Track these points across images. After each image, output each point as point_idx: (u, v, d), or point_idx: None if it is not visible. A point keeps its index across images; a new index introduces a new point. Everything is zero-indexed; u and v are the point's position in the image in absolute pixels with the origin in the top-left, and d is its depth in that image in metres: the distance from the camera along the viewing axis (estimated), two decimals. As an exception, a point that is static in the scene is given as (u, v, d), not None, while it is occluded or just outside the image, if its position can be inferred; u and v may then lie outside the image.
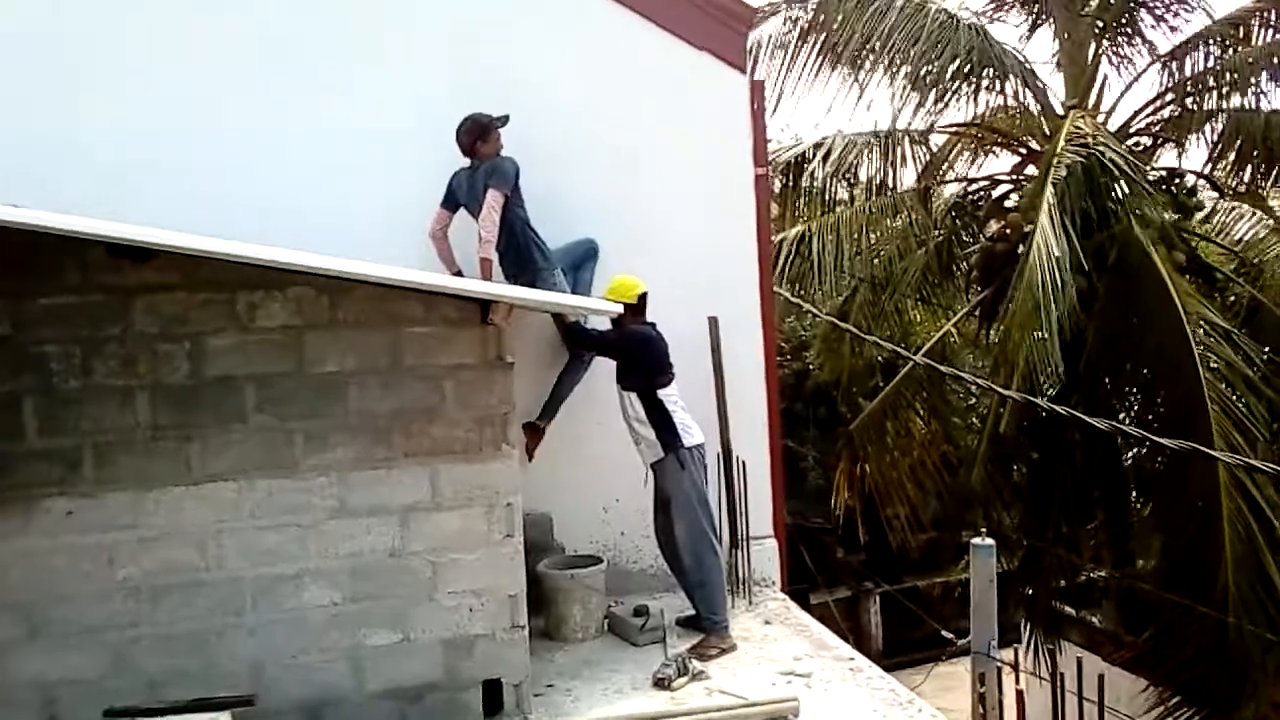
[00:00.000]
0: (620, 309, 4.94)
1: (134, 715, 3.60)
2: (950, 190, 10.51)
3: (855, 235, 9.74)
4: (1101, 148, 7.84)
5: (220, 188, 5.14)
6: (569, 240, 5.66)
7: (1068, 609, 10.26)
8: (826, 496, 12.22)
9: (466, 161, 5.39)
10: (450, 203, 5.43)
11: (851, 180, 10.03)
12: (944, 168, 10.43)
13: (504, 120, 5.36)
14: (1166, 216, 9.00)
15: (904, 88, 8.86)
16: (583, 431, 5.75)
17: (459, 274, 5.31)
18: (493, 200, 5.16)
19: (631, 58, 5.89)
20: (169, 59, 5.27)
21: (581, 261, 5.70)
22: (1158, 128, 9.69)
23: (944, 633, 6.04)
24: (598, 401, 5.60)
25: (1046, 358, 7.20)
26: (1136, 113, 9.67)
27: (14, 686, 3.84)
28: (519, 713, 4.39)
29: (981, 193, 10.27)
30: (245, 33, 5.38)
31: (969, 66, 8.56)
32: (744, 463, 5.86)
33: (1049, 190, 7.52)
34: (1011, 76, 9.11)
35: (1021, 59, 9.23)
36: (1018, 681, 7.18)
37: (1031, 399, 6.55)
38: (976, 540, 5.60)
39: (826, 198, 10.15)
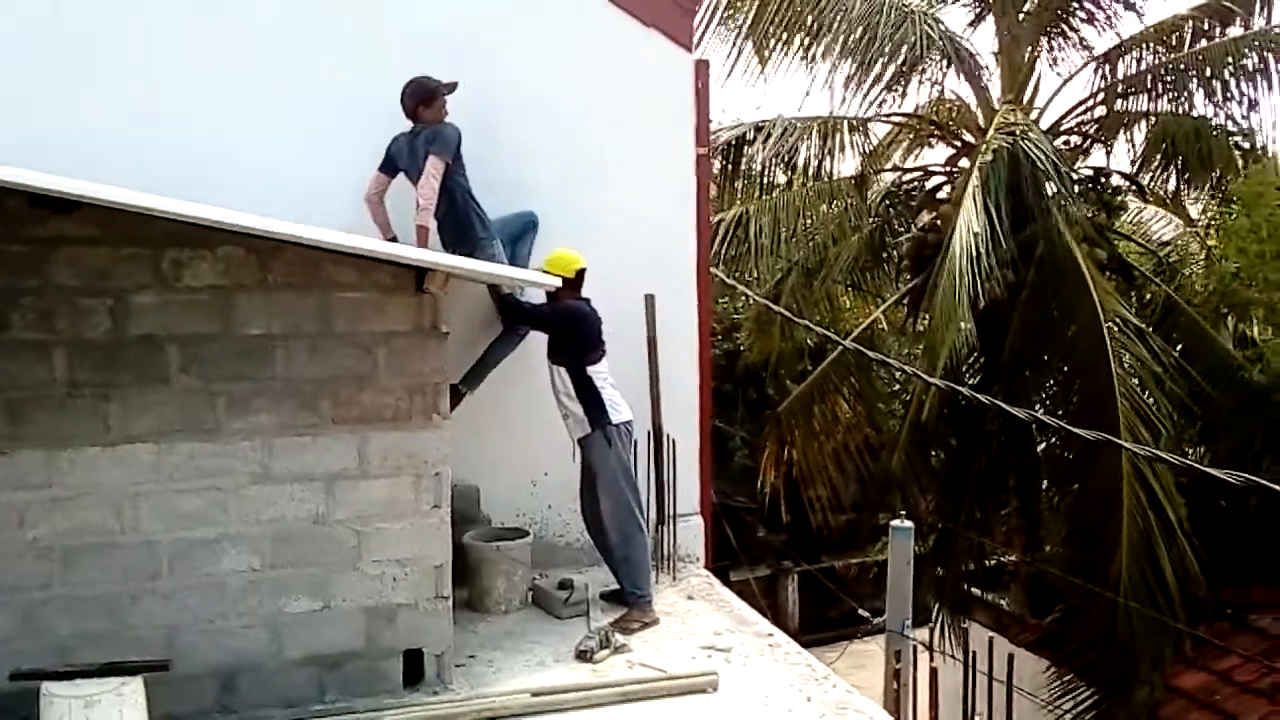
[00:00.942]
0: (558, 283, 4.92)
1: (41, 678, 3.49)
2: (886, 179, 10.67)
3: (791, 219, 9.84)
4: (1029, 141, 8.03)
5: (152, 145, 4.93)
6: (509, 212, 5.60)
7: (976, 591, 10.60)
8: (752, 476, 12.40)
9: (407, 126, 5.29)
10: (388, 167, 5.33)
11: (790, 164, 10.10)
12: (881, 157, 10.57)
13: (451, 87, 5.27)
14: (1091, 215, 9.29)
15: (847, 74, 8.93)
16: (512, 404, 5.72)
17: (394, 240, 5.23)
18: (432, 167, 5.08)
19: (578, 31, 5.84)
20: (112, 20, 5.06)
21: (521, 234, 5.65)
22: (1088, 127, 9.95)
23: (860, 611, 6.21)
24: (529, 375, 5.58)
25: (965, 344, 7.37)
26: (1069, 111, 9.92)
27: (-84, 647, 3.73)
28: (439, 683, 4.39)
29: (916, 183, 10.45)
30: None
31: (913, 55, 8.65)
32: (674, 441, 5.90)
33: (974, 175, 7.68)
34: (953, 68, 9.25)
35: (965, 50, 9.36)
36: (932, 660, 7.41)
37: (956, 386, 6.72)
38: (895, 522, 5.76)
39: (765, 181, 10.22)
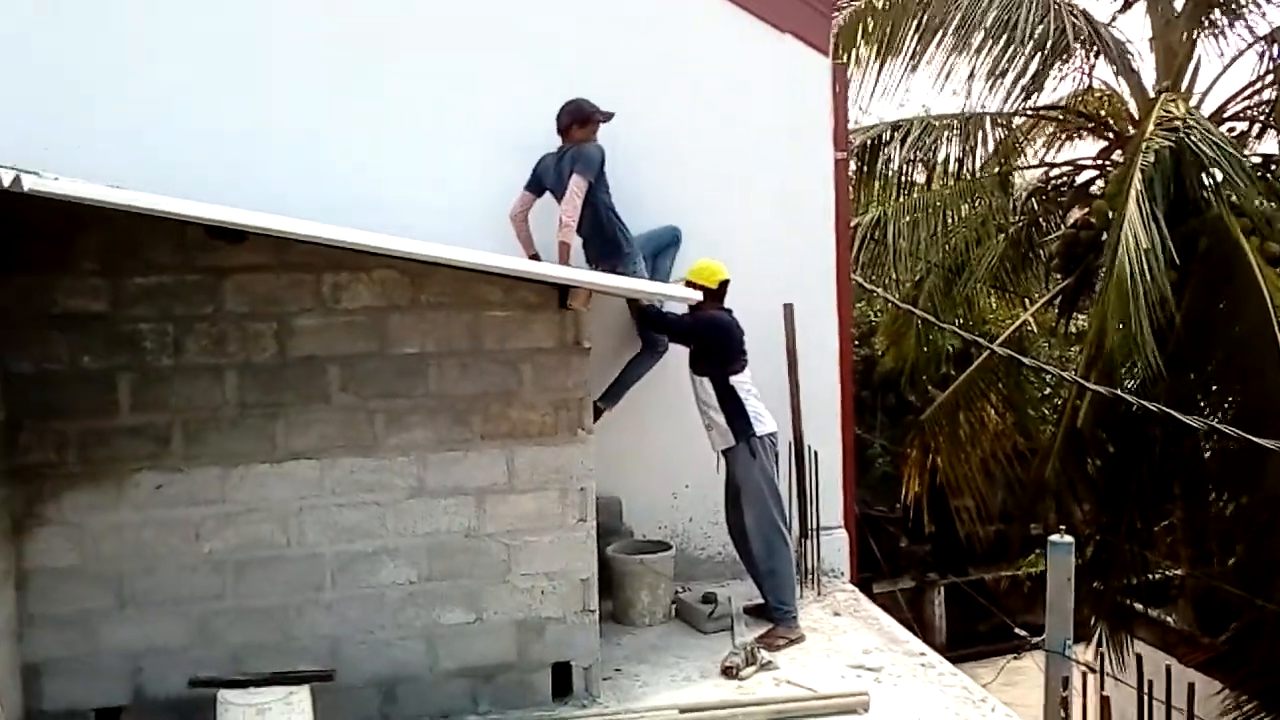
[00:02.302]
0: (699, 297, 4.90)
1: (217, 685, 3.68)
2: (1032, 175, 10.23)
3: (931, 220, 9.55)
4: (1193, 133, 7.55)
5: (309, 171, 5.22)
6: (651, 227, 5.62)
7: (1139, 606, 10.04)
8: (892, 485, 12.10)
9: (545, 148, 5.39)
10: (534, 186, 5.45)
11: (929, 163, 9.80)
12: (1026, 152, 10.14)
13: (608, 116, 5.39)
14: (1261, 205, 8.66)
15: (989, 68, 8.59)
16: (653, 416, 5.73)
17: (535, 257, 5.34)
18: (575, 185, 5.16)
19: (713, 40, 5.81)
20: (270, 51, 5.35)
21: (663, 248, 5.67)
22: (1255, 112, 9.30)
23: (1017, 630, 5.93)
24: (670, 387, 5.58)
25: (1139, 351, 6.98)
26: (1233, 96, 9.29)
27: (103, 654, 3.98)
28: (588, 696, 4.42)
29: (1065, 178, 9.98)
30: (343, 25, 5.42)
31: (1058, 46, 8.26)
32: (816, 452, 5.79)
33: (1137, 177, 7.26)
34: (1103, 57, 8.80)
35: (1113, 38, 8.89)
36: (1102, 687, 7.05)
37: (1121, 394, 6.37)
38: (1054, 537, 5.45)
39: (903, 181, 9.95)
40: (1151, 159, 7.45)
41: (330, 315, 4.10)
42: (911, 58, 8.39)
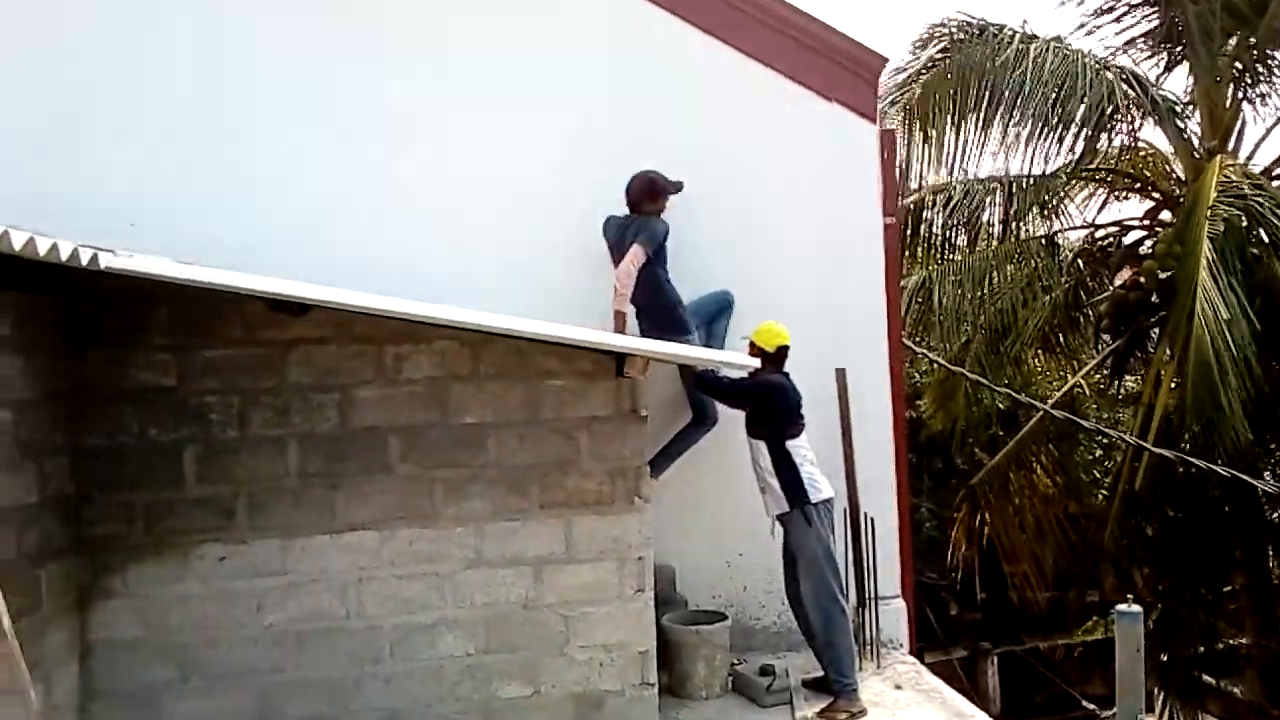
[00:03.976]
0: (756, 364, 4.89)
1: (279, 761, 3.66)
2: (1077, 236, 10.18)
3: (976, 283, 9.50)
4: (1258, 198, 7.50)
5: (368, 245, 5.32)
6: (702, 292, 5.64)
7: (1206, 677, 9.70)
8: (940, 550, 11.86)
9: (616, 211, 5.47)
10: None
11: (973, 226, 9.79)
12: (1071, 213, 10.12)
13: (678, 187, 5.46)
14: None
15: (1031, 132, 8.60)
16: (706, 483, 5.68)
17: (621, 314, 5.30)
18: (633, 255, 5.20)
19: (760, 110, 5.87)
20: (321, 116, 5.47)
21: (717, 314, 5.68)
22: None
23: (1085, 704, 5.71)
24: (723, 453, 5.54)
25: (1225, 423, 6.89)
26: (1281, 158, 9.23)
27: (168, 727, 3.97)
28: (647, 771, 4.33)
29: (1111, 239, 9.91)
30: (399, 85, 5.54)
31: (1103, 107, 8.26)
32: (872, 519, 5.70)
33: (1206, 246, 7.18)
34: (1149, 118, 8.79)
35: (1161, 97, 8.88)
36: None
37: (1186, 458, 6.22)
38: (1122, 606, 5.30)
39: (946, 244, 9.93)
40: (1221, 228, 7.36)
41: (392, 386, 4.14)
42: (955, 124, 8.40)
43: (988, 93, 8.28)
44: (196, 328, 3.99)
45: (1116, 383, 9.83)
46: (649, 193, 5.41)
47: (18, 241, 2.74)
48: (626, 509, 4.38)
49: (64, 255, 3.04)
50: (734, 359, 4.94)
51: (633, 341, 4.61)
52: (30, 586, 3.50)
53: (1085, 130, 8.25)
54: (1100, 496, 10.00)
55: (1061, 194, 9.61)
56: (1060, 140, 8.38)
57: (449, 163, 5.56)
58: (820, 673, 5.19)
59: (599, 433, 4.37)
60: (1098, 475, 10.99)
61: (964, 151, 8.47)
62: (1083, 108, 8.07)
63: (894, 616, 5.93)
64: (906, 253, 10.01)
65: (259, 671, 4.03)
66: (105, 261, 3.36)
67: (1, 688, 3.07)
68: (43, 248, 2.89)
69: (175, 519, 3.97)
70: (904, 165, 8.66)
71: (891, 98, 9.01)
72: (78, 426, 3.89)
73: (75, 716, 3.84)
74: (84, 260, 3.20)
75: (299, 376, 4.06)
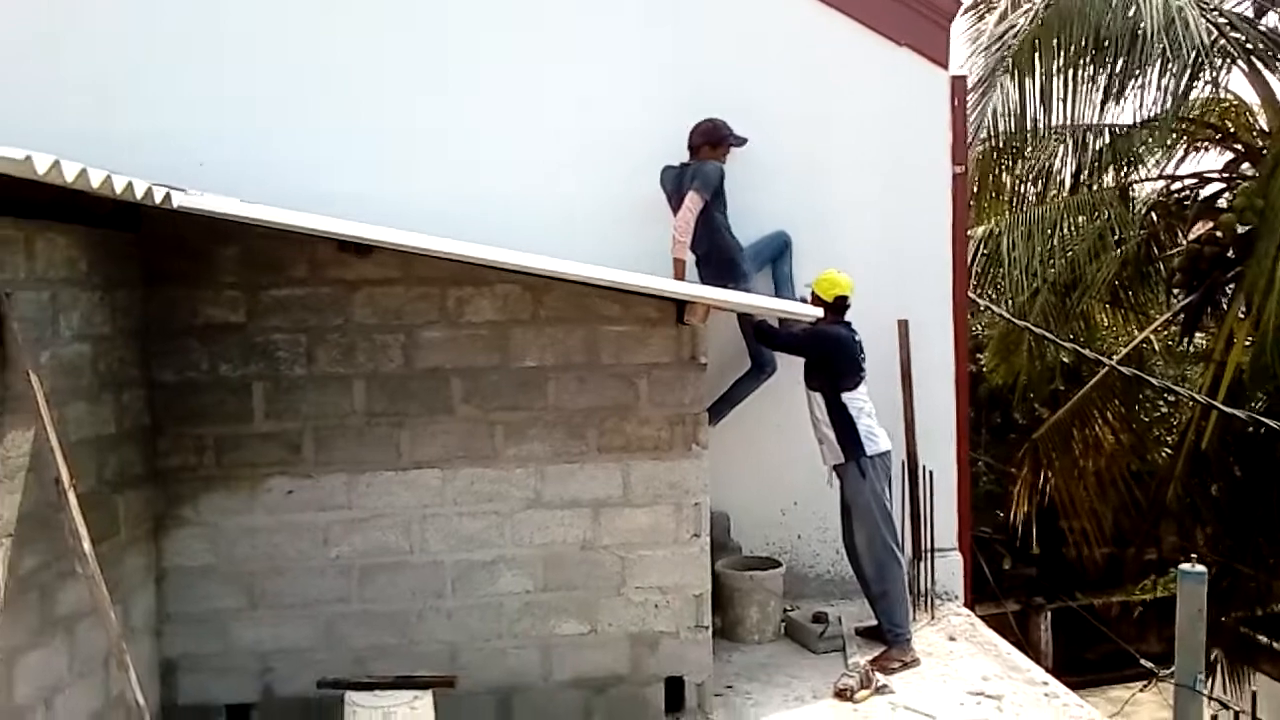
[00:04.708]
0: (818, 313, 4.85)
1: (345, 687, 3.77)
2: (1151, 188, 9.86)
3: (1045, 234, 9.26)
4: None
5: (432, 186, 5.38)
6: (759, 236, 5.60)
7: (1261, 637, 9.56)
8: (995, 505, 11.77)
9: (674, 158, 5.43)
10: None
11: (1045, 176, 9.52)
12: (1146, 163, 9.77)
13: (741, 140, 5.42)
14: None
15: (1107, 79, 8.30)
16: (763, 432, 5.69)
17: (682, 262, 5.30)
18: (690, 202, 5.17)
19: (826, 55, 5.75)
20: (397, 57, 5.50)
21: (779, 254, 5.64)
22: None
23: (1143, 661, 5.66)
24: (779, 402, 5.54)
25: None
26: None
27: (235, 653, 4.11)
28: (700, 712, 4.39)
29: (1188, 191, 9.59)
30: (465, 33, 5.54)
31: (1199, 54, 7.90)
32: (930, 472, 5.67)
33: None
34: (1234, 68, 8.42)
35: (1248, 46, 8.49)
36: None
37: (1258, 417, 6.07)
38: (1186, 566, 5.25)
39: (1017, 194, 9.69)
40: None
41: (455, 328, 4.18)
42: (1050, 70, 8.10)
43: (1088, 35, 7.94)
44: (265, 266, 4.05)
45: (1187, 339, 9.57)
46: (710, 139, 5.37)
47: (95, 179, 2.81)
48: (684, 455, 4.40)
49: (139, 193, 3.10)
50: (796, 309, 4.90)
51: (694, 289, 4.59)
52: (110, 513, 3.63)
53: (1177, 78, 7.90)
54: (1164, 454, 9.82)
55: (1150, 144, 9.25)
56: (1131, 85, 8.05)
57: (514, 111, 5.55)
58: (874, 622, 5.21)
59: (658, 379, 4.37)
60: (1161, 433, 10.78)
61: (1052, 98, 8.17)
62: (1181, 53, 7.71)
63: (950, 569, 5.92)
64: (977, 202, 9.80)
65: (324, 601, 4.15)
66: (178, 200, 3.43)
67: (86, 608, 3.21)
68: (119, 185, 2.95)
69: (244, 452, 4.07)
70: (979, 112, 8.41)
71: (976, 41, 8.73)
72: (151, 361, 4.00)
73: (151, 639, 4.01)
74: (157, 199, 3.26)
75: (364, 317, 4.11)
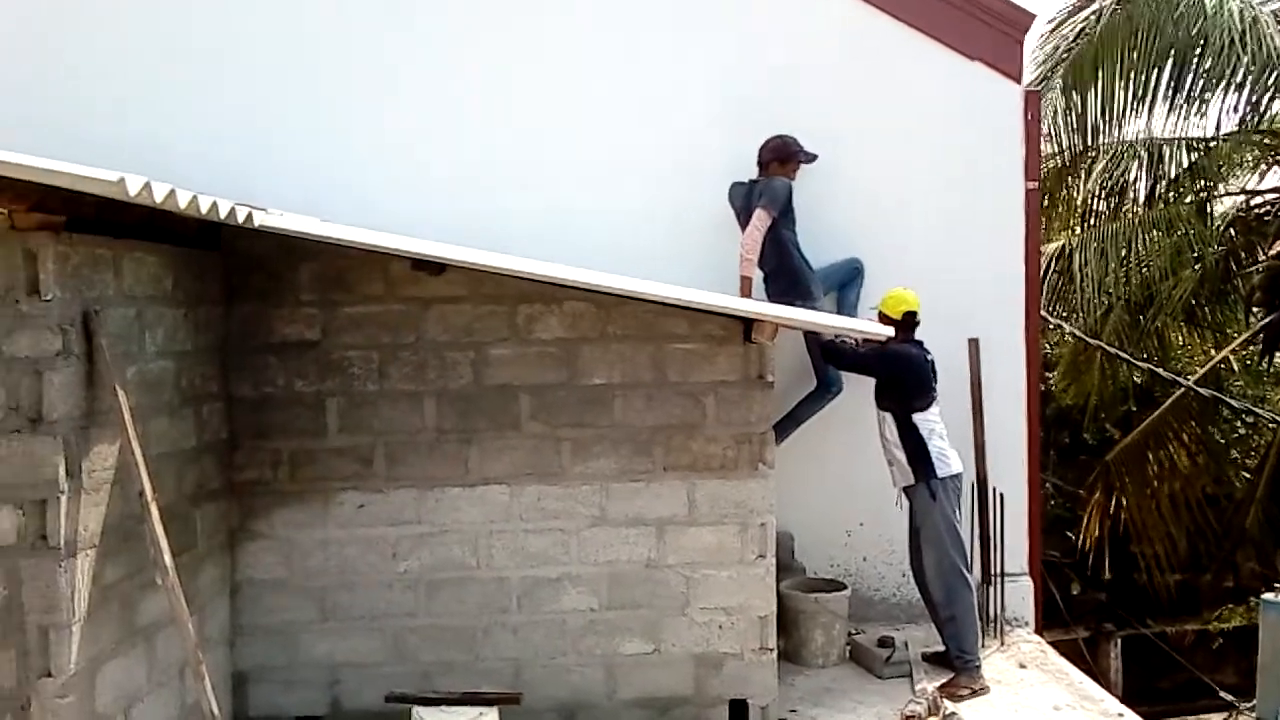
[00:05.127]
0: (889, 332, 4.79)
1: (412, 701, 3.81)
2: (1231, 203, 9.58)
3: (1119, 250, 9.04)
4: None
5: (499, 205, 5.43)
6: (832, 259, 5.55)
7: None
8: (1065, 527, 11.48)
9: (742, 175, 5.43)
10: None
11: (1118, 191, 9.31)
12: (1224, 179, 9.51)
13: (811, 157, 5.41)
14: None
15: (1186, 92, 8.10)
16: (830, 452, 5.62)
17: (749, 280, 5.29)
18: (758, 219, 5.16)
19: (898, 70, 5.69)
20: (467, 79, 5.58)
21: (848, 280, 5.58)
22: None
23: (1223, 694, 5.45)
24: (847, 422, 5.47)
25: None
26: None
27: (305, 665, 4.18)
28: (764, 735, 4.35)
29: (1269, 206, 9.30)
30: (528, 51, 5.60)
31: (1265, 65, 7.70)
32: (1001, 494, 5.55)
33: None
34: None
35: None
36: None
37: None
38: (1269, 596, 5.07)
39: (1090, 210, 9.48)
40: None
41: (524, 345, 4.21)
42: (1116, 82, 7.94)
43: (1157, 47, 7.76)
44: (340, 284, 4.13)
45: (1267, 359, 9.27)
46: (780, 155, 5.36)
47: (183, 199, 2.88)
48: (750, 474, 4.37)
49: (223, 213, 3.18)
50: (867, 327, 4.84)
51: (761, 306, 4.57)
52: (188, 526, 3.72)
53: (1256, 90, 7.69)
54: (1243, 478, 9.51)
55: (1217, 158, 9.02)
56: (1209, 98, 7.83)
57: (581, 126, 5.59)
58: (941, 647, 5.11)
59: (725, 397, 4.35)
60: (1239, 455, 10.44)
61: (1121, 112, 7.99)
62: (1256, 65, 7.50)
63: (1020, 594, 5.78)
64: (1049, 217, 9.61)
65: (392, 615, 4.20)
66: (260, 220, 3.50)
67: (165, 619, 3.29)
68: (204, 205, 3.03)
69: (317, 467, 4.14)
70: (1052, 127, 8.25)
71: (1045, 55, 8.58)
72: (230, 376, 4.09)
73: (226, 649, 4.09)
74: (240, 218, 3.34)
75: (436, 334, 4.17)
